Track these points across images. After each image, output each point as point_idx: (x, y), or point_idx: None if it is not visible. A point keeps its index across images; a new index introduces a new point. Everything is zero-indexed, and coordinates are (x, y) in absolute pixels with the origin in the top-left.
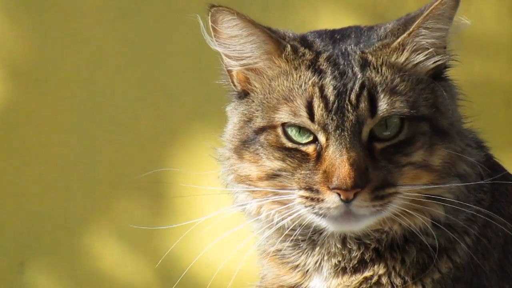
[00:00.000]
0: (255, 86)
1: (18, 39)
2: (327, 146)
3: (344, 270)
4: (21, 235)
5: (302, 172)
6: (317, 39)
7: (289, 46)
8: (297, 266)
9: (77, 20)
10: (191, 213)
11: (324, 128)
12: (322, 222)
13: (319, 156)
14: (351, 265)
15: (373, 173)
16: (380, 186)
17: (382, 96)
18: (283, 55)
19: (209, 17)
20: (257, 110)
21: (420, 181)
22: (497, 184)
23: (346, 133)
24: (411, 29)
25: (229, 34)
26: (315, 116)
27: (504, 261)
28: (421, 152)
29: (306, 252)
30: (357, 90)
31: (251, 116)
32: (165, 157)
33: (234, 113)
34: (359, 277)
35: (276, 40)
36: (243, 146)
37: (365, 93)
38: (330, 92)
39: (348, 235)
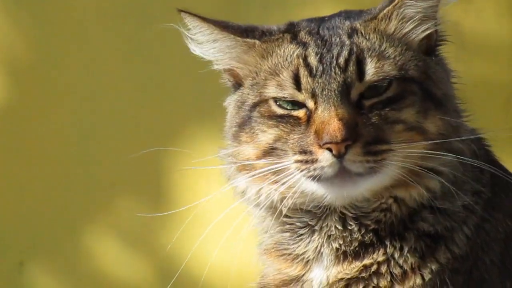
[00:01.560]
0: (243, 76)
1: (18, 39)
2: (316, 108)
3: (345, 255)
4: (21, 235)
5: (295, 136)
6: (304, 22)
7: (257, 41)
8: (297, 256)
9: (77, 20)
10: (191, 213)
11: (312, 94)
12: (319, 189)
13: (309, 119)
14: (351, 248)
15: (363, 129)
16: (372, 141)
17: (369, 60)
18: (257, 48)
19: (185, 27)
20: (249, 92)
21: (414, 144)
22: (497, 179)
23: (333, 93)
24: (396, 1)
25: (200, 40)
26: (302, 85)
27: (505, 256)
28: (412, 111)
29: (305, 240)
30: (346, 55)
31: (244, 99)
32: (165, 157)
33: (230, 104)
34: (358, 264)
35: (243, 42)
36: (240, 129)
37: (353, 58)
38: (312, 58)
39: (348, 214)
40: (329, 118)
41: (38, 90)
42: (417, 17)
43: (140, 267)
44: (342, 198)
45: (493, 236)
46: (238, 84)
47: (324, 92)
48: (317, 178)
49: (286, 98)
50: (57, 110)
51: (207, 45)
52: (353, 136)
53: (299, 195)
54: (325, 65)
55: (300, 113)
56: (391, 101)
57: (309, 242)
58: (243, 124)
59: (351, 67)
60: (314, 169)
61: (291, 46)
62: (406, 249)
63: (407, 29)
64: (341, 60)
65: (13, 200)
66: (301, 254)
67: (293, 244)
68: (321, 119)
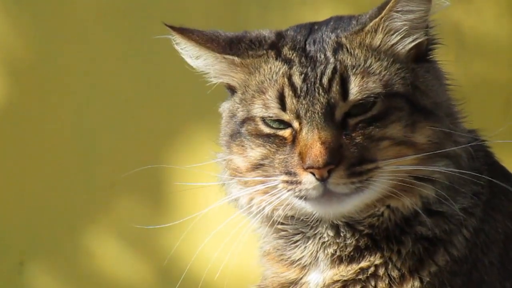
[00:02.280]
0: (235, 85)
1: (18, 39)
2: (301, 129)
3: (340, 259)
4: (21, 235)
5: (281, 157)
6: (290, 32)
7: (237, 60)
8: (294, 261)
9: (77, 19)
10: (191, 212)
11: (297, 115)
12: (306, 206)
13: (294, 140)
14: (346, 253)
15: (347, 150)
16: (357, 162)
17: (354, 78)
18: (244, 63)
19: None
20: (239, 106)
21: (403, 158)
22: (496, 179)
23: (317, 115)
24: (382, 14)
25: (189, 54)
26: (287, 105)
27: (505, 258)
28: (399, 127)
29: (299, 246)
30: (329, 74)
31: (235, 111)
32: (165, 157)
33: (225, 111)
34: (355, 267)
35: (223, 58)
36: (231, 139)
37: (337, 77)
38: (297, 78)
39: (339, 223)
40: (312, 142)
41: (38, 90)
42: (404, 28)
43: (140, 267)
44: (329, 215)
45: (492, 237)
46: (233, 90)
47: (308, 114)
48: (303, 198)
49: (271, 117)
50: (57, 110)
51: (195, 60)
52: (336, 160)
53: (289, 208)
54: (309, 85)
55: (286, 133)
56: (376, 119)
57: (304, 248)
58: (234, 136)
59: (335, 87)
60: (300, 190)
61: (277, 63)
62: (404, 253)
63: (393, 41)
64: (325, 80)
65: (13, 200)
66: (297, 260)
67: (289, 250)
68: (304, 141)
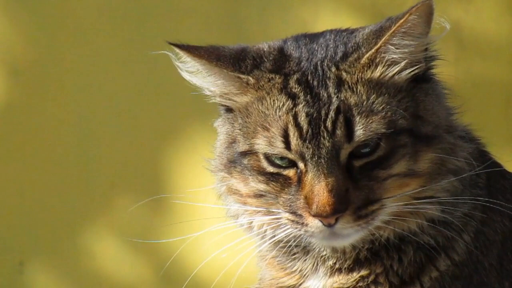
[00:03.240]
0: (234, 109)
1: (18, 39)
2: (306, 171)
3: (339, 270)
4: (21, 235)
5: (285, 196)
6: (294, 52)
7: (250, 79)
8: (293, 271)
9: (77, 20)
10: (191, 213)
11: (301, 156)
12: (310, 239)
13: (300, 180)
14: (345, 266)
15: (354, 193)
16: (362, 205)
17: (358, 119)
18: (249, 86)
19: (176, 57)
20: (239, 134)
21: (407, 188)
22: (493, 181)
23: (323, 160)
24: (378, 45)
25: (192, 71)
26: (291, 146)
27: (503, 258)
28: (403, 163)
29: (300, 259)
30: (333, 116)
31: (234, 138)
32: (165, 157)
33: (221, 130)
34: (355, 275)
35: (236, 77)
36: (231, 165)
37: (341, 118)
38: (303, 120)
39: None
40: (319, 189)
41: (38, 90)
42: (401, 60)
43: (140, 267)
44: (333, 246)
45: (491, 238)
46: (229, 109)
47: (314, 159)
48: (308, 236)
49: (276, 155)
50: (57, 110)
51: (199, 77)
52: (343, 206)
53: (290, 234)
54: (313, 128)
55: (291, 172)
56: (381, 159)
57: (304, 261)
58: (234, 163)
59: (339, 130)
60: (305, 231)
61: (280, 97)
62: (405, 261)
63: (394, 72)
64: (329, 122)
65: (13, 200)
66: (298, 270)
67: (289, 262)
68: (311, 187)
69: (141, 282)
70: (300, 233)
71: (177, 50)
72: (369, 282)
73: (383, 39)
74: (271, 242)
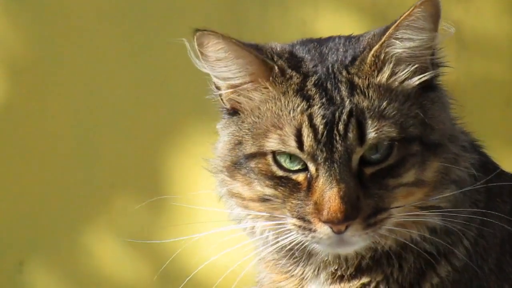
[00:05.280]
0: (244, 106)
1: (18, 39)
2: (317, 176)
3: (341, 278)
4: (21, 235)
5: (294, 201)
6: (306, 55)
7: (276, 67)
8: (294, 275)
9: (77, 19)
10: (191, 213)
11: (314, 158)
12: (315, 246)
13: (309, 185)
14: (348, 273)
15: (364, 201)
16: (372, 214)
17: (370, 122)
18: (271, 78)
19: (195, 41)
20: (247, 134)
21: (413, 197)
22: (491, 183)
23: (335, 165)
24: (382, 40)
25: (215, 57)
26: (304, 146)
27: (502, 261)
28: (413, 172)
29: (302, 262)
30: (345, 119)
31: (241, 139)
32: (165, 157)
33: (225, 132)
34: (356, 283)
35: (262, 61)
36: (235, 167)
37: (353, 121)
38: (319, 121)
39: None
40: (331, 195)
41: (38, 90)
42: (408, 60)
43: (140, 267)
44: (337, 253)
45: (491, 242)
46: (234, 110)
47: (327, 163)
48: (314, 242)
49: (288, 152)
50: (57, 110)
51: (222, 64)
52: (354, 214)
53: (294, 241)
54: (329, 132)
55: (300, 177)
56: (392, 168)
57: (306, 265)
58: (239, 165)
59: (351, 133)
60: (312, 237)
61: (295, 99)
62: (406, 268)
63: (403, 77)
64: (341, 126)
65: (13, 200)
66: (299, 274)
67: (290, 265)
68: (322, 192)
69: (140, 282)
70: (306, 239)
71: (208, 34)
72: None
73: (388, 33)
74: (274, 248)
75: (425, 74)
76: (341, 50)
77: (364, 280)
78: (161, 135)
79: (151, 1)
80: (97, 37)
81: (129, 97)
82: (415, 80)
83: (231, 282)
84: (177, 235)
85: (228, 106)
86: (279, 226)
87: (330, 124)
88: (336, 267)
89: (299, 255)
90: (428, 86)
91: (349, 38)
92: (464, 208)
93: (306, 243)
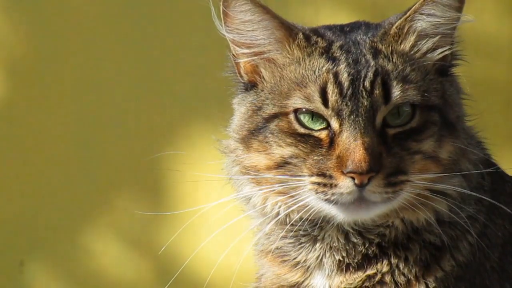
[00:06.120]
0: (265, 75)
1: (18, 39)
2: (341, 131)
3: (347, 267)
4: (21, 235)
5: (315, 158)
6: (327, 31)
7: (301, 33)
8: (297, 263)
9: (77, 20)
10: (192, 212)
11: (338, 114)
12: (332, 210)
13: (332, 142)
14: (355, 261)
15: (386, 159)
16: (393, 173)
17: (395, 83)
18: (296, 42)
19: (221, 2)
20: (267, 98)
21: (428, 172)
22: (496, 184)
23: (360, 119)
24: (407, 14)
25: (241, 19)
26: (329, 102)
27: (504, 260)
28: (432, 141)
29: (307, 248)
30: (371, 77)
31: (261, 104)
32: (165, 156)
33: (242, 104)
34: (361, 274)
35: (288, 27)
36: (252, 135)
37: (379, 80)
38: (344, 78)
39: (350, 230)
40: (355, 146)
41: (38, 90)
42: (431, 34)
43: (140, 267)
44: (353, 221)
45: (493, 241)
46: (251, 84)
47: (352, 117)
48: (333, 202)
49: (312, 110)
50: (57, 110)
51: (248, 26)
52: (377, 167)
53: (307, 211)
54: (354, 87)
55: (322, 134)
56: (414, 131)
57: (310, 250)
58: (256, 131)
59: (377, 90)
60: (332, 194)
61: (321, 60)
62: (411, 260)
63: (425, 49)
64: (367, 82)
65: (13, 200)
66: (302, 261)
67: (294, 251)
68: (346, 145)
69: (140, 281)
70: (325, 198)
71: None
72: (375, 282)
73: (413, 7)
74: (280, 223)
75: (446, 48)
76: (363, 28)
77: (370, 271)
78: (161, 135)
79: (151, 2)
80: (97, 37)
81: (129, 97)
82: (437, 54)
83: (231, 280)
84: (178, 235)
85: (245, 80)
86: (291, 196)
87: (356, 81)
88: (344, 254)
89: (305, 240)
90: (446, 71)
91: (368, 23)
92: (469, 204)
93: (322, 208)
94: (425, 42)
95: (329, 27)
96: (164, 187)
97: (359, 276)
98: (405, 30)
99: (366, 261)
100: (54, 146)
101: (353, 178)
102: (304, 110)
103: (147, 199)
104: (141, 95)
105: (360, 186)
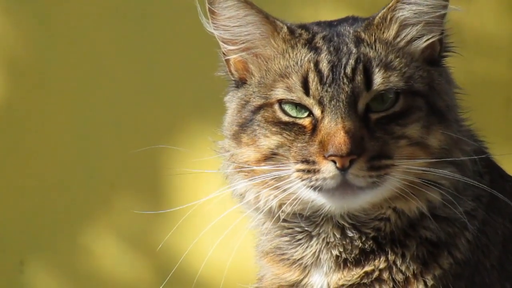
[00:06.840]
0: (253, 70)
1: (18, 39)
2: (323, 117)
3: (345, 263)
4: (21, 234)
5: (299, 145)
6: (314, 26)
7: (285, 27)
8: (295, 261)
9: (77, 20)
10: (192, 214)
11: (320, 101)
12: (319, 198)
13: (314, 128)
14: (352, 256)
15: (369, 142)
16: (376, 156)
17: (377, 70)
18: (280, 35)
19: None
20: (254, 92)
21: (416, 160)
22: (495, 183)
23: (341, 104)
24: (390, 4)
25: (226, 15)
26: (310, 90)
27: (503, 259)
28: (417, 127)
29: (303, 245)
30: (353, 63)
31: (248, 99)
32: (164, 156)
33: (232, 100)
34: (359, 271)
35: (272, 22)
36: (241, 129)
37: (360, 66)
38: (324, 66)
39: (345, 224)
40: (336, 130)
41: (38, 90)
42: (415, 22)
43: (139, 267)
44: (341, 209)
45: (493, 239)
46: (242, 81)
47: (332, 102)
48: (318, 189)
49: (294, 100)
50: (57, 110)
51: (234, 23)
52: (358, 151)
53: (298, 202)
54: (334, 73)
55: (306, 121)
56: (397, 116)
57: (306, 247)
58: (245, 125)
59: (359, 76)
60: (316, 179)
61: (303, 50)
62: (408, 256)
63: (409, 37)
64: (349, 69)
65: (13, 200)
66: (299, 259)
67: (291, 248)
68: (327, 130)
69: (140, 281)
70: (310, 185)
71: None
72: (373, 279)
73: None
74: (276, 219)
75: (432, 36)
76: (350, 22)
77: (367, 268)
78: (161, 134)
79: (151, 2)
80: (97, 37)
81: (129, 97)
82: (423, 42)
83: (232, 279)
84: (177, 236)
85: (236, 77)
86: (282, 189)
87: (337, 68)
88: (341, 249)
89: (301, 236)
90: (436, 61)
91: (356, 17)
92: (466, 197)
93: (310, 196)
94: (408, 30)
95: (318, 23)
96: (164, 187)
97: (357, 272)
98: (388, 19)
99: (363, 256)
100: (54, 146)
101: (334, 162)
102: (286, 100)
103: (147, 199)
104: (140, 95)
105: (342, 170)
